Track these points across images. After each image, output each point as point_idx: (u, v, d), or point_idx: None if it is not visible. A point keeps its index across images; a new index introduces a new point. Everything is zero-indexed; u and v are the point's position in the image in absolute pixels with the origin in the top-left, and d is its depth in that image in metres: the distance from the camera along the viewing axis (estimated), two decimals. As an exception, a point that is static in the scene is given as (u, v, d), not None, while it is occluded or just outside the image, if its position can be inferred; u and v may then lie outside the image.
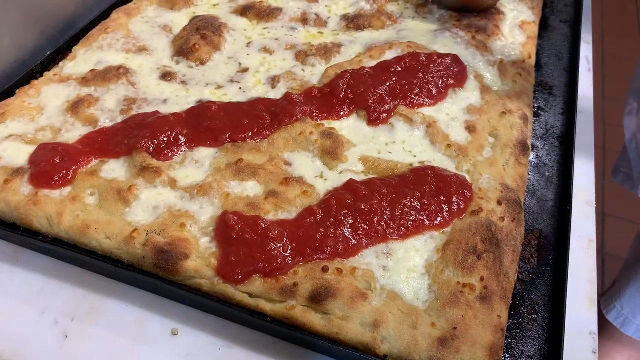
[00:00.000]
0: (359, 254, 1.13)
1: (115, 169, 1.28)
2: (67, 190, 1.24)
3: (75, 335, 1.10)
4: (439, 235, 1.18)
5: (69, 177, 1.25)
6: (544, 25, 1.88)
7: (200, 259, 1.12)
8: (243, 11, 1.79)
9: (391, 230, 1.16)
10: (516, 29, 1.77)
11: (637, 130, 1.93)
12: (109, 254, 1.16)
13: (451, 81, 1.51)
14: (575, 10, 1.96)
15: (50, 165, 1.25)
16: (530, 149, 1.42)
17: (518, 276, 1.18)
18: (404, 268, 1.12)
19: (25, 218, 1.19)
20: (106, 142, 1.33)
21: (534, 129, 1.52)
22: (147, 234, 1.15)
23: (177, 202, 1.22)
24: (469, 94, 1.51)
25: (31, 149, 1.32)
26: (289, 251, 1.11)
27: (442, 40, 1.66)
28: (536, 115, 1.57)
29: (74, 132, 1.38)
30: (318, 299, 1.05)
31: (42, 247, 1.20)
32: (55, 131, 1.38)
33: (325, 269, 1.09)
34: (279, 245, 1.11)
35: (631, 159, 1.98)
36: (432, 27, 1.73)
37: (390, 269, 1.12)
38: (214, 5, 1.85)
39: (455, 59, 1.56)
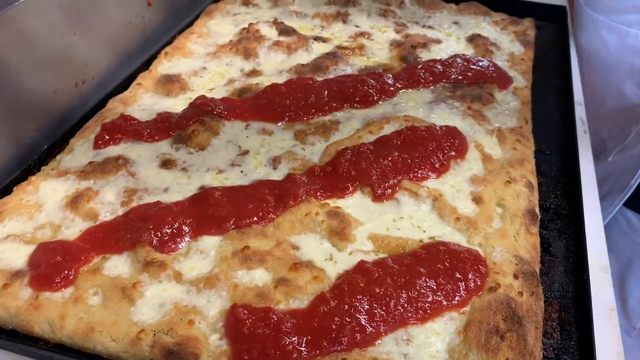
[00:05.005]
0: (378, 342, 1.09)
1: (118, 265, 1.24)
2: (69, 291, 1.19)
3: None
4: (459, 316, 1.14)
5: (71, 277, 1.20)
6: (535, 89, 1.91)
7: (212, 358, 1.07)
8: (240, 94, 1.80)
9: (409, 314, 1.12)
10: (509, 95, 1.80)
11: None
12: (115, 358, 1.10)
13: (452, 152, 1.51)
14: (564, 73, 2.00)
15: (51, 266, 1.21)
16: (539, 217, 1.41)
17: (543, 353, 1.14)
18: (425, 355, 1.08)
19: (25, 324, 1.14)
20: (108, 237, 1.30)
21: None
22: (154, 334, 1.10)
23: (184, 296, 1.17)
24: (472, 165, 1.50)
25: (30, 249, 1.27)
26: (304, 344, 1.06)
27: (439, 112, 1.68)
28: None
29: (74, 228, 1.34)
30: (339, 395, 1.00)
31: (44, 355, 1.13)
32: (54, 228, 1.34)
33: (344, 362, 1.04)
34: (293, 339, 1.06)
35: None
36: (426, 99, 1.76)
37: (412, 356, 1.07)
38: (210, 90, 1.86)
39: (454, 130, 1.57)
